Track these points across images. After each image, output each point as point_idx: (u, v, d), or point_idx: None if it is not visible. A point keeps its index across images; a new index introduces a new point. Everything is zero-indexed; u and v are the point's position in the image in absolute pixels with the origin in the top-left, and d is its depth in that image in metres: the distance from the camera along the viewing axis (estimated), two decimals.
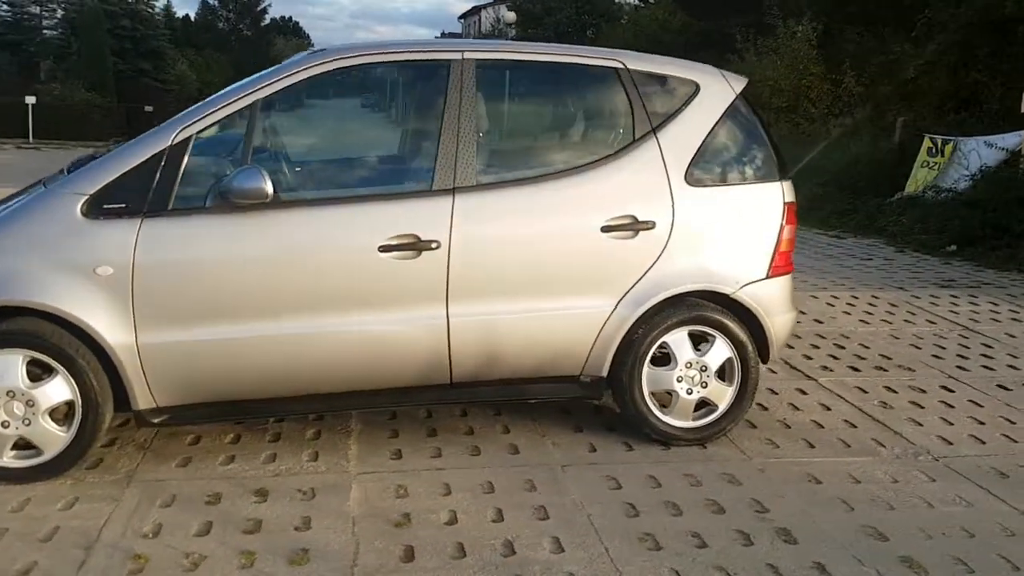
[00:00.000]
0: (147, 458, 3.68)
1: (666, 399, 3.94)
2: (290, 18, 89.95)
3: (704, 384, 3.91)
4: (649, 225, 3.76)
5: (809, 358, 5.36)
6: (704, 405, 3.96)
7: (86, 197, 3.34)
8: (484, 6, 58.24)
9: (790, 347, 5.45)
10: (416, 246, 3.52)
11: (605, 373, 3.85)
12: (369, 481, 3.52)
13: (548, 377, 3.85)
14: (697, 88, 3.95)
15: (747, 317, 3.94)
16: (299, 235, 3.49)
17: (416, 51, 3.82)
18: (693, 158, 3.86)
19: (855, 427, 4.28)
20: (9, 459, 3.37)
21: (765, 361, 4.06)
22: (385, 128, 4.41)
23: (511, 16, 35.46)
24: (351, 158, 4.09)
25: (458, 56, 3.71)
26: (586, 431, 4.08)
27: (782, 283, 4.02)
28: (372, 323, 3.55)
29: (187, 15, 69.67)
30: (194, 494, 3.36)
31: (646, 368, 3.86)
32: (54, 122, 29.65)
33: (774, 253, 3.96)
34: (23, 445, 3.38)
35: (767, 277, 3.95)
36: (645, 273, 3.79)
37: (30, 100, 28.29)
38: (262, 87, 3.52)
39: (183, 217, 3.40)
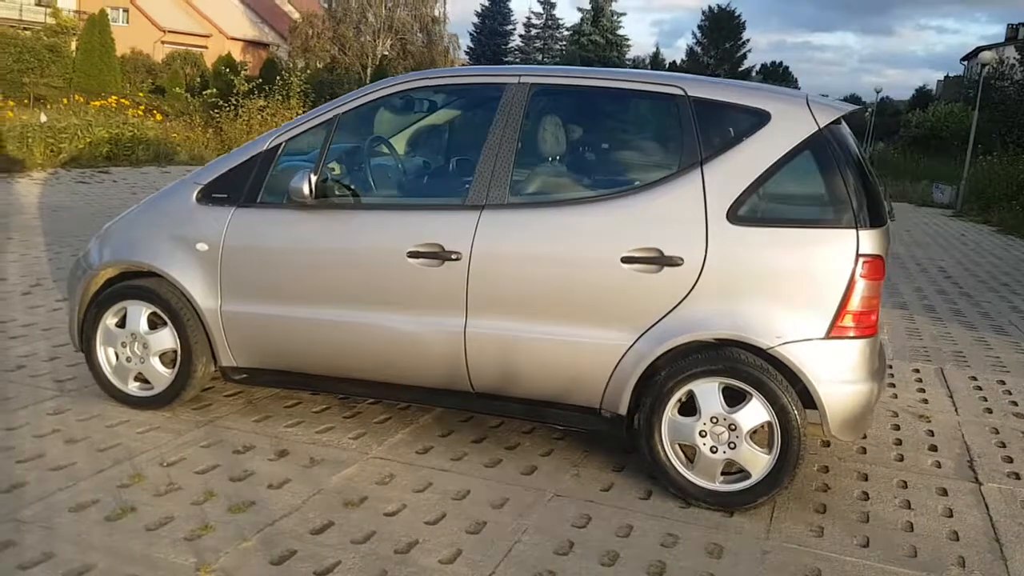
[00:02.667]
0: (243, 410, 4.38)
1: (692, 453, 3.65)
2: (780, 63, 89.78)
3: (732, 445, 3.55)
4: (676, 261, 3.53)
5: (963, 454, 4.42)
6: (739, 468, 3.59)
7: (201, 186, 4.14)
8: (988, 47, 52.92)
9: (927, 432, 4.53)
10: (440, 255, 3.75)
11: (624, 411, 3.69)
12: (373, 465, 3.82)
13: (569, 405, 3.81)
14: (765, 118, 3.59)
15: (795, 380, 3.49)
16: (343, 234, 3.93)
17: (476, 76, 4.03)
18: (742, 194, 3.52)
19: (954, 540, 3.52)
20: (133, 388, 4.28)
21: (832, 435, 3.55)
22: (438, 144, 4.65)
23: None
24: (404, 169, 4.40)
25: (514, 80, 3.86)
26: (625, 472, 3.92)
27: (851, 347, 3.48)
28: (399, 321, 3.85)
29: (673, 61, 73.39)
30: (236, 443, 3.96)
31: (667, 414, 3.62)
32: None
33: (839, 311, 3.45)
34: (143, 380, 4.27)
35: (826, 337, 3.46)
36: (670, 311, 3.56)
37: None
38: (341, 105, 4.02)
39: (265, 209, 4.03)
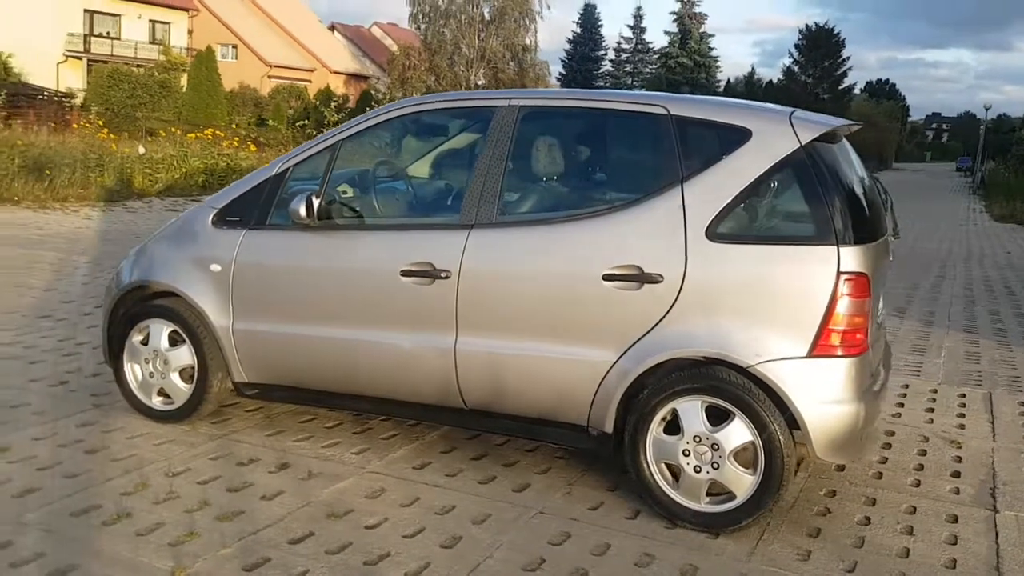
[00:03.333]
0: (259, 424, 4.55)
1: (679, 473, 3.62)
2: (886, 80, 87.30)
3: (715, 465, 3.50)
4: (656, 278, 3.53)
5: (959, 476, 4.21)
6: (724, 489, 3.54)
7: (216, 210, 4.35)
8: None
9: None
10: (430, 274, 3.84)
11: (610, 429, 3.69)
12: (367, 480, 3.92)
13: (559, 422, 3.83)
14: (746, 136, 3.57)
15: (779, 400, 3.43)
16: (341, 253, 4.08)
17: (471, 100, 4.13)
18: (721, 211, 3.50)
19: (950, 568, 3.38)
20: (156, 402, 4.51)
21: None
22: (435, 166, 4.72)
23: None
24: (402, 191, 4.50)
25: (504, 103, 3.94)
26: (618, 491, 3.90)
27: (835, 367, 3.40)
28: (394, 339, 3.96)
29: (770, 80, 72.05)
30: (243, 456, 4.13)
31: (652, 432, 3.61)
32: None
33: (821, 329, 3.38)
34: (164, 394, 4.50)
35: (808, 356, 3.39)
36: (651, 329, 3.56)
37: None
38: (344, 130, 4.18)
39: (272, 231, 4.22)
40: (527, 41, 45.71)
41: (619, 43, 50.48)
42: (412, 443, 4.38)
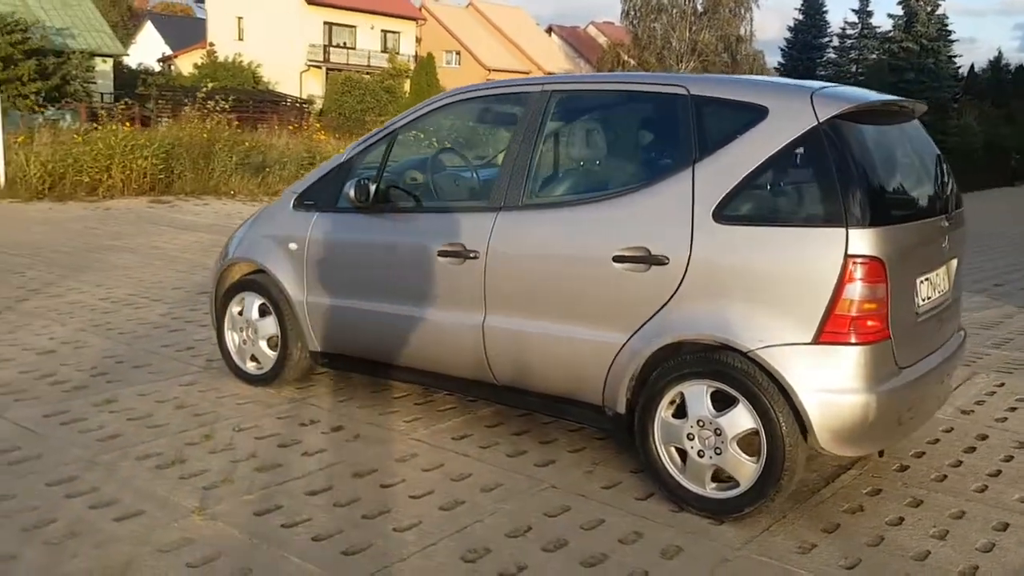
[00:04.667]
0: (337, 392, 4.92)
1: (686, 457, 3.58)
2: None
3: (718, 450, 3.44)
4: (662, 260, 3.51)
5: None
6: (728, 476, 3.47)
7: (297, 195, 4.76)
8: None
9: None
10: (461, 254, 4.03)
11: (622, 409, 3.71)
12: (405, 445, 4.17)
13: (579, 402, 3.89)
14: (763, 114, 3.45)
15: (780, 386, 3.32)
16: (389, 234, 4.35)
17: (509, 87, 4.23)
18: (730, 192, 3.42)
19: (967, 574, 3.13)
20: (250, 367, 4.99)
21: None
22: (479, 152, 4.79)
23: None
24: (445, 176, 4.63)
25: (538, 89, 4.03)
26: (641, 474, 3.88)
27: (844, 354, 3.24)
28: (432, 314, 4.18)
29: (1020, 66, 65.33)
30: (306, 417, 4.50)
31: (660, 415, 3.59)
32: None
33: (827, 315, 3.23)
34: (255, 360, 4.97)
35: (813, 342, 3.26)
36: (659, 311, 3.55)
37: None
38: (400, 120, 4.45)
39: (338, 214, 4.55)
40: (741, 31, 44.29)
41: (843, 28, 47.67)
42: (463, 416, 4.58)
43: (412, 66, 46.39)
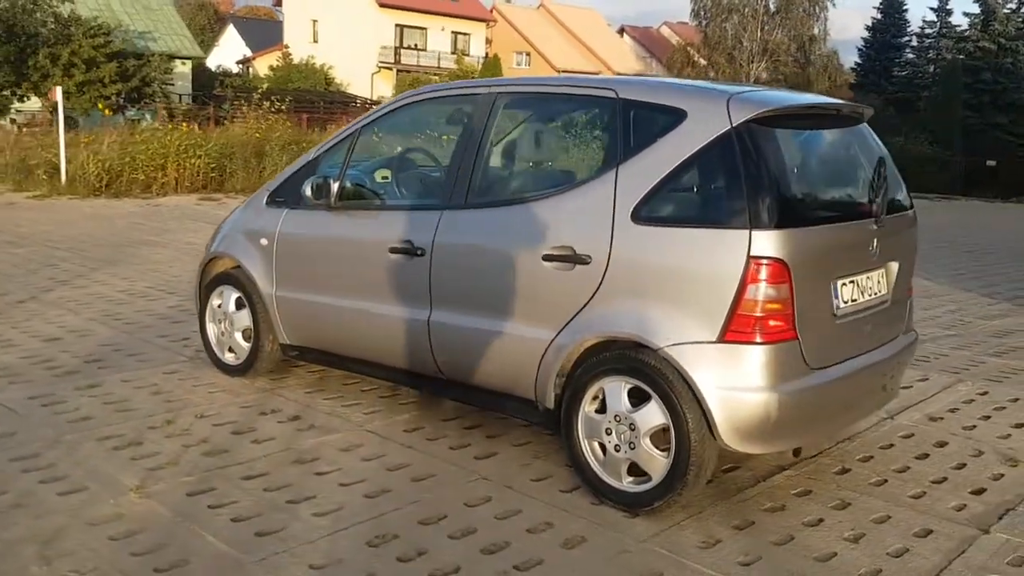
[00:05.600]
0: (307, 384, 5.09)
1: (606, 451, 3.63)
2: None
3: (632, 445, 3.50)
4: (585, 259, 3.58)
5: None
6: (642, 470, 3.52)
7: (269, 192, 4.95)
8: None
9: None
10: (410, 251, 4.15)
11: (551, 404, 3.79)
12: (355, 436, 4.30)
13: (515, 396, 3.97)
14: (682, 117, 3.50)
15: (687, 383, 3.35)
16: (346, 231, 4.49)
17: (459, 88, 4.34)
18: (647, 194, 3.48)
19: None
20: (228, 358, 5.20)
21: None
22: (432, 151, 4.88)
23: None
24: (407, 174, 4.71)
25: (485, 91, 4.13)
26: (573, 467, 3.95)
27: (745, 353, 3.27)
28: (386, 309, 4.31)
29: None
30: (268, 407, 4.67)
31: (583, 410, 3.65)
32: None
33: (731, 314, 3.26)
34: (232, 351, 5.18)
35: (718, 341, 3.29)
36: (582, 308, 3.61)
37: None
38: (360, 121, 4.59)
39: (304, 210, 4.72)
40: (815, 31, 43.49)
41: (921, 27, 46.22)
42: (422, 410, 4.70)
43: (479, 67, 46.76)
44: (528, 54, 57.90)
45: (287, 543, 3.24)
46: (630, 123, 3.66)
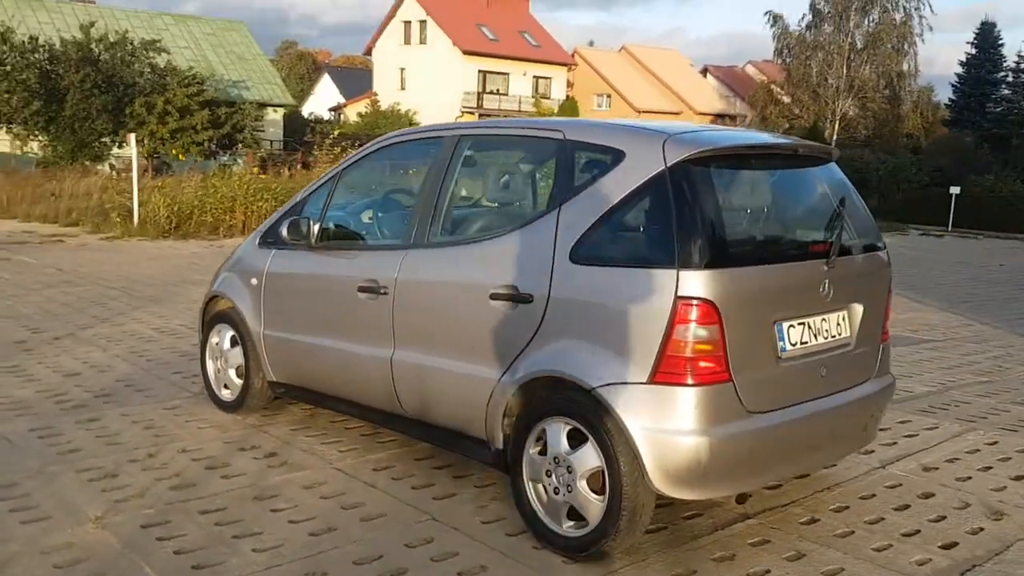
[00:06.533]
0: (296, 421, 5.17)
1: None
2: None
3: (569, 488, 3.44)
4: (527, 298, 3.57)
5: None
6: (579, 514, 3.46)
7: (261, 233, 5.10)
8: None
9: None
10: (375, 290, 4.21)
11: (500, 445, 3.76)
12: (323, 474, 4.34)
13: (469, 436, 3.96)
14: (620, 157, 3.48)
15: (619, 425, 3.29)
16: (321, 271, 4.58)
17: (428, 132, 4.42)
18: (584, 233, 3.47)
19: None
20: (224, 394, 5.33)
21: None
22: (403, 193, 4.91)
23: None
24: (381, 215, 4.75)
25: (450, 134, 4.20)
26: None
27: (675, 395, 3.19)
28: (354, 348, 4.37)
29: None
30: (248, 443, 4.76)
31: (527, 451, 3.62)
32: (975, 212, 29.75)
33: (660, 355, 3.20)
34: (227, 387, 5.32)
35: (648, 382, 3.22)
36: (524, 348, 3.60)
37: (954, 190, 29.05)
38: (340, 166, 4.71)
39: (289, 250, 4.84)
40: (904, 67, 42.31)
41: (1017, 62, 44.54)
42: (399, 448, 4.71)
43: (556, 110, 47.20)
44: (608, 96, 58.17)
45: None
46: (574, 163, 3.67)
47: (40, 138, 26.56)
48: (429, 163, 4.25)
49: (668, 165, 3.33)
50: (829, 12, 42.84)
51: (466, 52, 49.81)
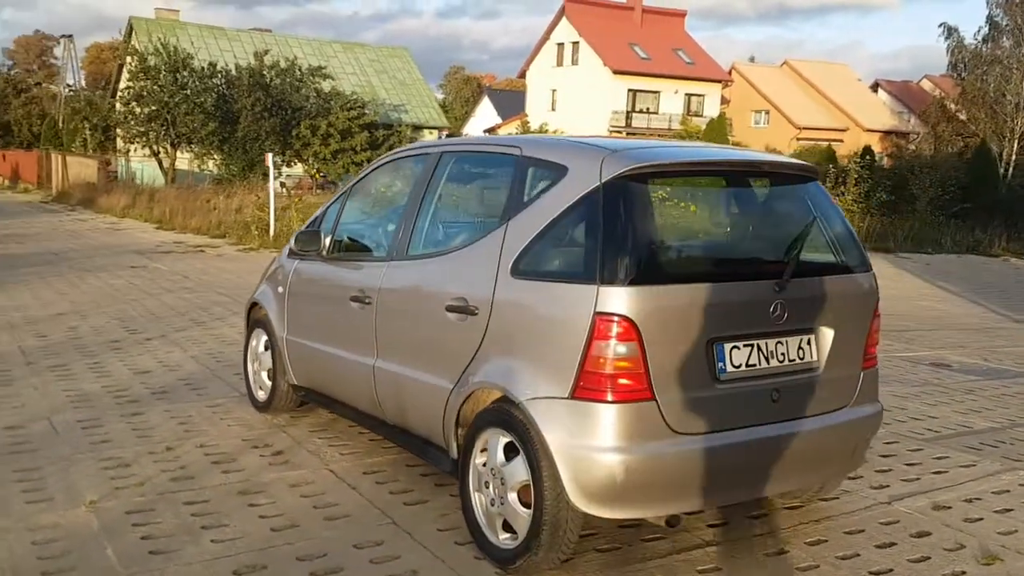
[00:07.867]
0: (317, 422, 5.37)
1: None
2: None
3: (502, 500, 3.44)
4: (474, 311, 3.61)
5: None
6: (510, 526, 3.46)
7: (290, 246, 5.36)
8: None
9: None
10: (361, 299, 4.36)
11: (455, 455, 3.80)
12: (317, 475, 4.50)
13: (434, 444, 4.02)
14: (563, 173, 3.47)
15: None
16: (328, 280, 4.78)
17: (417, 149, 4.53)
18: (525, 248, 3.49)
19: None
20: (260, 395, 5.62)
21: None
22: (397, 207, 4.93)
23: None
24: (374, 228, 4.84)
25: (434, 150, 4.32)
26: None
27: (594, 411, 3.14)
28: (347, 355, 4.53)
29: None
30: (262, 442, 4.99)
31: (473, 461, 3.64)
32: None
33: (580, 371, 3.16)
34: (262, 388, 5.60)
35: (569, 397, 3.18)
36: (472, 359, 3.63)
37: None
38: (352, 182, 4.90)
39: (307, 261, 5.07)
40: None
41: None
42: (396, 454, 4.81)
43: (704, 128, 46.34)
44: (767, 112, 56.55)
45: (168, 563, 3.50)
46: (525, 179, 3.69)
47: (215, 157, 28.65)
48: (415, 178, 4.38)
49: (603, 181, 3.29)
50: (1008, 25, 39.90)
51: (616, 71, 49.72)
